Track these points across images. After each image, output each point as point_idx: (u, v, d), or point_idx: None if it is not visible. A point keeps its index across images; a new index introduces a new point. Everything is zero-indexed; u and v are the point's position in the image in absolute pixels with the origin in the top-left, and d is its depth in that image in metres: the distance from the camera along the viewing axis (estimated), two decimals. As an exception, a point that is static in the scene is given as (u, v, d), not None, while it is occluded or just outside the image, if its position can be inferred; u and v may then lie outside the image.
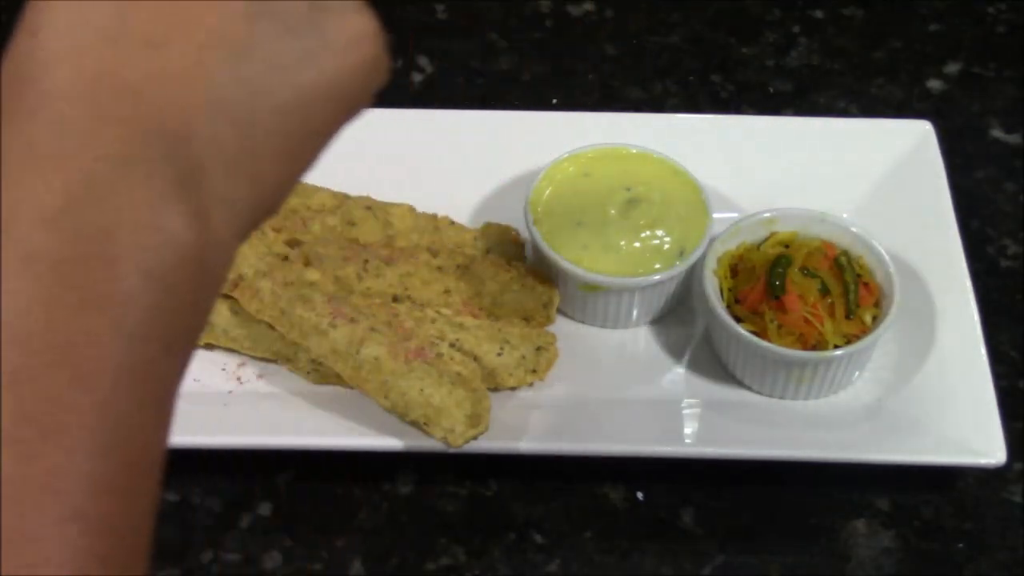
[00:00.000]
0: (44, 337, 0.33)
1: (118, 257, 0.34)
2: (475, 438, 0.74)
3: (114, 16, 0.36)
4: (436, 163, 0.90)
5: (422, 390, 0.75)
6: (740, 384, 0.81)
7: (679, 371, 0.83)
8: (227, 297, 0.81)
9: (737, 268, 0.82)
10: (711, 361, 0.82)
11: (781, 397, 0.80)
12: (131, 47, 0.36)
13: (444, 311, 0.81)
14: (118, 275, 0.34)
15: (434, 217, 0.87)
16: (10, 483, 0.32)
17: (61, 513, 0.32)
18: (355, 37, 0.40)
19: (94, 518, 0.33)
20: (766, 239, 0.83)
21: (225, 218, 0.37)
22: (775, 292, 0.78)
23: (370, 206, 0.86)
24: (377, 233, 0.85)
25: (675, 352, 0.83)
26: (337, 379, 0.79)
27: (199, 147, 0.36)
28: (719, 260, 0.82)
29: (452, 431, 0.74)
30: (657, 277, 0.81)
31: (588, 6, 1.07)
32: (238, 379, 0.81)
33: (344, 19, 0.40)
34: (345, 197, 0.87)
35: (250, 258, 0.81)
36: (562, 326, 0.84)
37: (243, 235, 0.38)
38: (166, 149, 0.35)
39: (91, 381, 0.33)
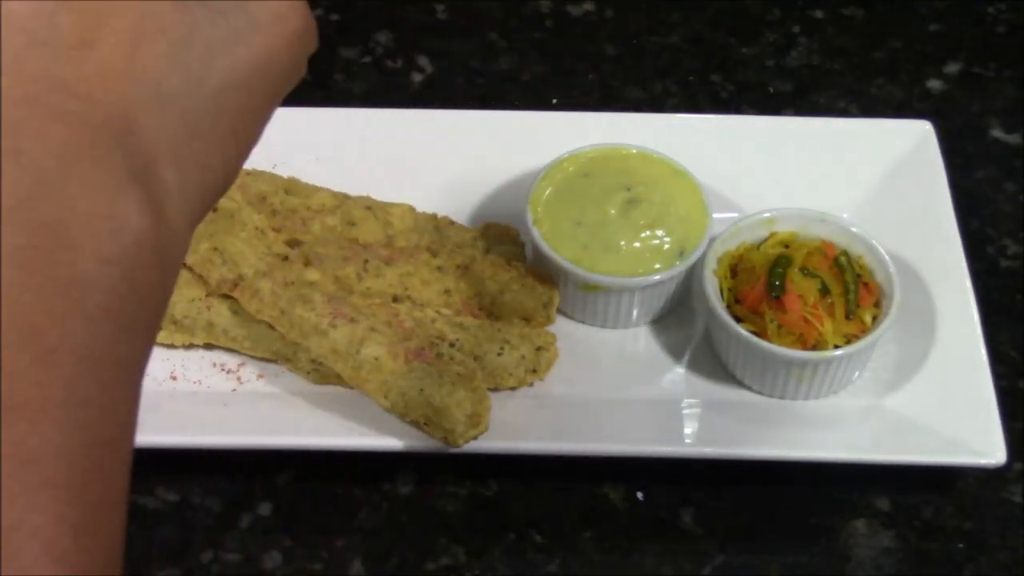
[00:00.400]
0: (5, 317, 0.33)
1: (75, 244, 0.34)
2: (475, 438, 0.74)
3: (43, 19, 0.36)
4: (436, 163, 0.90)
5: (422, 390, 0.75)
6: (740, 384, 0.81)
7: (679, 371, 0.83)
8: (227, 297, 0.81)
9: (737, 268, 0.82)
10: (711, 361, 0.82)
11: (781, 397, 0.80)
12: (65, 48, 0.36)
13: (444, 311, 0.81)
14: (76, 261, 0.34)
15: (434, 217, 0.87)
16: None
17: (31, 480, 0.33)
18: (280, 11, 0.41)
19: (65, 487, 0.33)
20: (766, 239, 0.83)
21: (177, 205, 0.38)
22: (775, 292, 0.78)
23: (370, 206, 0.86)
24: (377, 233, 0.85)
25: (675, 352, 0.83)
26: (337, 379, 0.79)
27: (145, 139, 0.37)
28: (719, 260, 0.82)
29: (452, 431, 0.74)
30: (657, 277, 0.81)
31: (588, 6, 1.07)
32: (238, 379, 0.81)
33: None
34: (345, 197, 0.87)
35: (250, 258, 0.81)
36: (562, 326, 0.84)
37: (197, 218, 0.39)
38: (114, 143, 0.36)
39: (54, 359, 0.34)
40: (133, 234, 0.36)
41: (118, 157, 0.36)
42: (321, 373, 0.80)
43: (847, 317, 0.78)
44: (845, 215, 0.86)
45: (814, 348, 0.78)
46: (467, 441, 0.74)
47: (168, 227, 0.37)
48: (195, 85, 0.38)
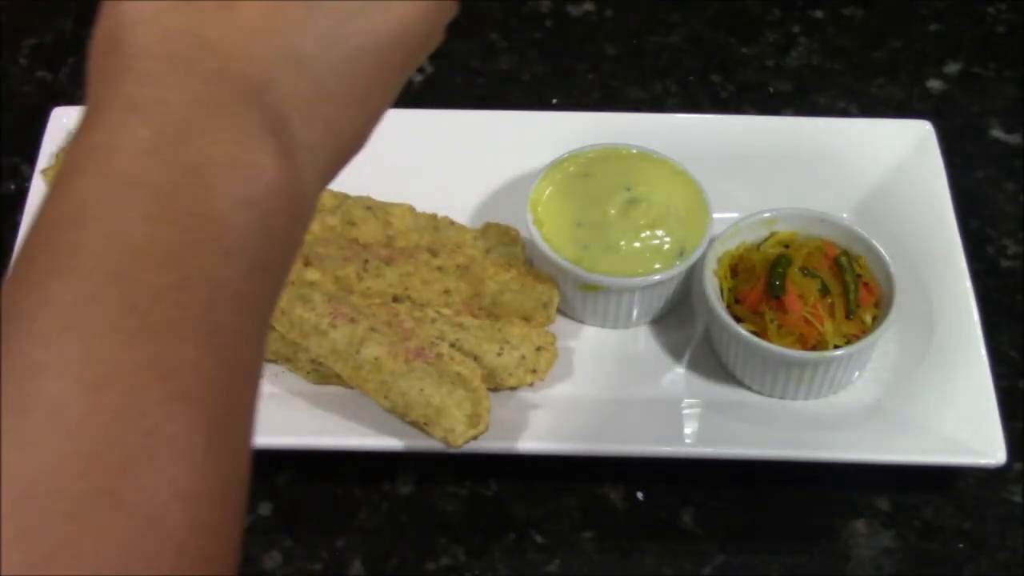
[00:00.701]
0: (146, 245, 0.35)
1: (212, 184, 0.36)
2: (475, 438, 0.74)
3: None
4: (436, 163, 0.90)
5: (422, 390, 0.75)
6: (740, 384, 0.81)
7: (679, 371, 0.83)
8: (227, 297, 0.81)
9: (737, 268, 0.82)
10: (711, 361, 0.82)
11: (781, 397, 0.80)
12: (207, 7, 0.38)
13: (444, 311, 0.81)
14: (213, 199, 0.36)
15: (434, 217, 0.87)
16: (115, 364, 0.33)
17: (169, 392, 0.34)
18: None
19: (201, 401, 0.34)
20: (766, 239, 0.83)
21: (307, 161, 0.40)
22: (775, 292, 0.78)
23: (370, 206, 0.86)
24: (377, 233, 0.85)
25: (675, 352, 0.83)
26: (337, 379, 0.79)
27: (280, 98, 0.39)
28: (719, 260, 0.82)
29: (452, 431, 0.74)
30: (657, 277, 0.81)
31: (588, 6, 1.07)
32: (238, 379, 0.81)
33: None
34: (345, 197, 0.87)
35: (250, 258, 0.81)
36: (562, 326, 0.83)
37: (328, 176, 0.42)
38: (250, 97, 0.38)
39: (192, 285, 0.35)
40: (267, 182, 0.37)
41: (255, 111, 0.38)
42: (321, 373, 0.80)
43: (847, 317, 0.78)
44: (845, 215, 0.86)
45: (814, 348, 0.78)
46: (467, 441, 0.74)
47: (299, 180, 0.39)
48: (329, 49, 0.40)
